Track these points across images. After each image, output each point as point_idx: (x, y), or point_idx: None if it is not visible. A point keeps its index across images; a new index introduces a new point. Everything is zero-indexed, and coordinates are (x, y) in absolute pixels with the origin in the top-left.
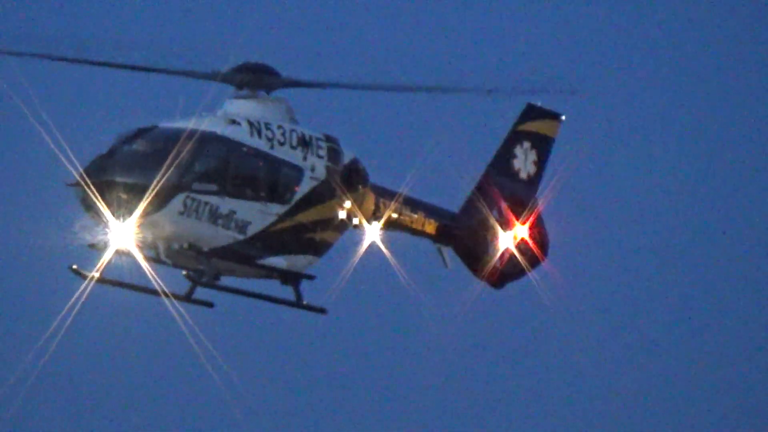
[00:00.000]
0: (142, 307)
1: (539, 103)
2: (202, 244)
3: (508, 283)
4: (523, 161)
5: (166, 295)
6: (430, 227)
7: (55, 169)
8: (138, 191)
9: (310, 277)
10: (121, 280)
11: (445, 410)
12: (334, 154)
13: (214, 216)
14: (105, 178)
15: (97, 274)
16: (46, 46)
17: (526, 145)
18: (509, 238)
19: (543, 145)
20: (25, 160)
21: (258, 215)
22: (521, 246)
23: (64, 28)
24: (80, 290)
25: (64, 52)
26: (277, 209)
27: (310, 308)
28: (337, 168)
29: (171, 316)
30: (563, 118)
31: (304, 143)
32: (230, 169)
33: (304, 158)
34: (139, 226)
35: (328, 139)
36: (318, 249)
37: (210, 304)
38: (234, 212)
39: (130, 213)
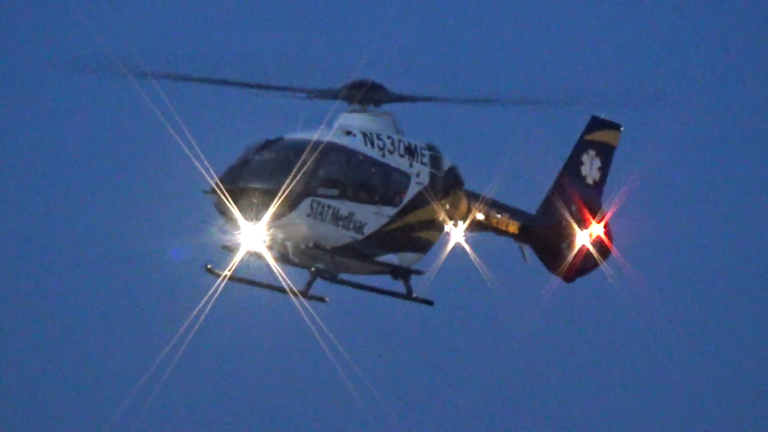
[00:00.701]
0: (265, 302)
1: (602, 115)
2: (325, 243)
3: (579, 278)
4: (590, 168)
5: (288, 291)
6: (513, 227)
7: (189, 178)
8: (269, 196)
9: (419, 273)
10: (251, 278)
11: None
12: (435, 161)
13: (336, 218)
14: (240, 185)
15: (228, 273)
16: (169, 65)
17: (592, 153)
18: (586, 235)
19: (606, 153)
20: (163, 170)
21: (373, 217)
22: (595, 243)
23: (179, 45)
24: (214, 287)
25: (185, 71)
26: (389, 211)
27: (419, 300)
28: (438, 174)
29: (293, 309)
30: (623, 128)
31: (410, 152)
32: (349, 175)
33: (410, 165)
34: (270, 228)
35: (430, 147)
36: (423, 247)
37: (323, 299)
38: (353, 214)
39: (262, 216)
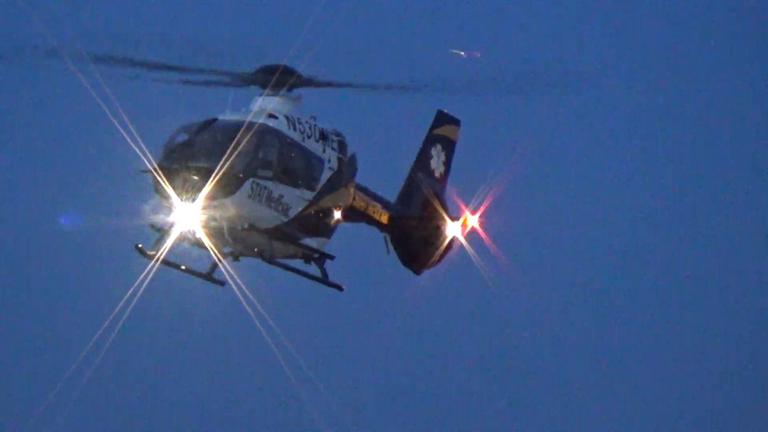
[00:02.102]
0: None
1: (445, 110)
2: (259, 224)
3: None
4: (437, 161)
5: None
6: (384, 217)
7: (122, 157)
8: (212, 176)
9: (331, 257)
10: (181, 263)
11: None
12: (343, 147)
13: (270, 199)
14: (183, 164)
15: (160, 254)
16: (86, 46)
17: (438, 147)
18: (457, 227)
19: (449, 148)
20: (83, 150)
21: (296, 200)
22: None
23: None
24: (146, 268)
25: (102, 51)
26: (308, 195)
27: (331, 285)
28: (344, 160)
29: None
30: (461, 123)
31: (324, 137)
32: (281, 158)
33: (323, 150)
34: (210, 208)
35: (337, 134)
36: (329, 231)
37: (222, 283)
38: (282, 196)
39: (202, 196)
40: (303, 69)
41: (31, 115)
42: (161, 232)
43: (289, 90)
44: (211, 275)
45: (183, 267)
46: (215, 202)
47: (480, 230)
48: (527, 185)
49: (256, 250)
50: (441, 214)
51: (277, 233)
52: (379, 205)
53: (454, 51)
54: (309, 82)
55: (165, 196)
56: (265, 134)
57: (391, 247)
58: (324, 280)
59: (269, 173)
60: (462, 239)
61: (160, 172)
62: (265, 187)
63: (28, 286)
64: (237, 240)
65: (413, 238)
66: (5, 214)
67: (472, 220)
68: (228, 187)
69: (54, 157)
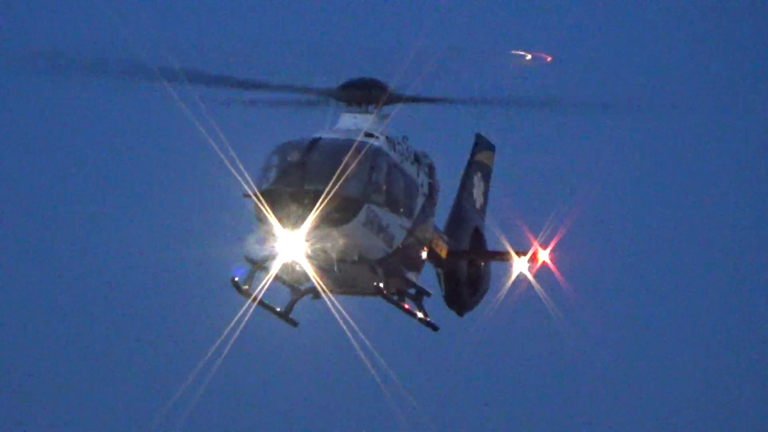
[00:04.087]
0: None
1: (483, 134)
2: (369, 255)
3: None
4: (478, 191)
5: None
6: (444, 251)
7: (219, 182)
8: (328, 201)
9: (428, 293)
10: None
11: None
12: (432, 172)
13: (380, 228)
14: (292, 188)
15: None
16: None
17: (479, 174)
18: (524, 263)
19: (489, 176)
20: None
21: (398, 229)
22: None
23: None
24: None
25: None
26: (407, 224)
27: (429, 324)
28: (434, 186)
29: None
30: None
31: (417, 159)
32: (390, 181)
33: (417, 174)
34: (323, 237)
35: (426, 156)
36: (421, 264)
37: (296, 324)
38: (388, 225)
39: (314, 224)
40: (393, 84)
41: (109, 139)
42: (255, 265)
43: (377, 106)
44: (288, 314)
45: (278, 309)
46: (329, 230)
47: (552, 266)
48: (599, 214)
49: (360, 285)
50: (506, 249)
51: (383, 266)
52: (443, 238)
53: (518, 53)
54: (401, 99)
55: (267, 224)
56: (377, 156)
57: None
58: (424, 319)
59: (381, 198)
60: (530, 276)
61: (263, 197)
62: (377, 214)
63: (110, 317)
64: (344, 273)
65: (465, 276)
66: (97, 240)
67: (543, 255)
68: (345, 213)
69: (142, 184)
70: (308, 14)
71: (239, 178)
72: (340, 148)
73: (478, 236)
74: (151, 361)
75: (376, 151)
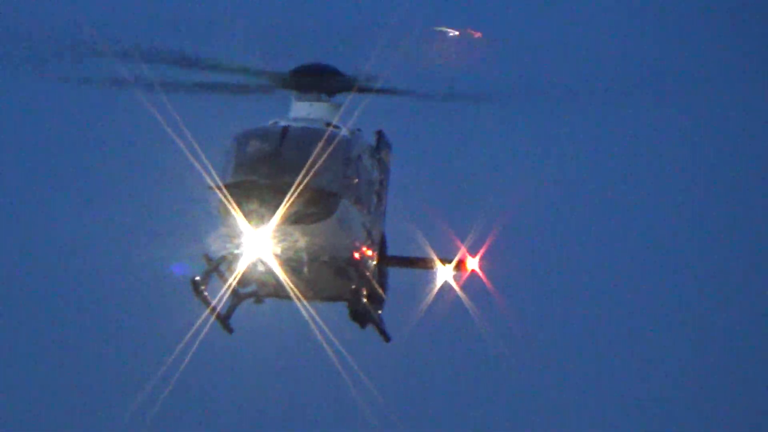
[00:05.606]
0: None
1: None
2: (338, 255)
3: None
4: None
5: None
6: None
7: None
8: (305, 195)
9: (383, 298)
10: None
11: None
12: (384, 165)
13: (349, 225)
14: (263, 180)
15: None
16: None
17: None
18: (449, 271)
19: (388, 176)
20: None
21: (360, 226)
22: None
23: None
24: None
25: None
26: (368, 222)
27: (383, 333)
28: (386, 179)
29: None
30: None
31: (372, 153)
32: (359, 174)
33: (373, 167)
34: (295, 235)
35: (378, 150)
36: (374, 267)
37: (231, 330)
38: (357, 223)
39: (289, 220)
40: (349, 71)
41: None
42: (212, 264)
43: (330, 95)
44: (226, 320)
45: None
46: (303, 227)
47: (481, 274)
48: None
49: (328, 288)
50: (429, 256)
51: (352, 266)
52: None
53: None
54: (359, 88)
55: (232, 220)
56: (350, 147)
57: None
58: (379, 325)
59: (353, 193)
60: (455, 286)
61: (230, 191)
62: (348, 210)
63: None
64: (313, 274)
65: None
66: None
67: (472, 263)
68: (322, 207)
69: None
70: None
71: (188, 169)
72: (312, 138)
73: (382, 241)
74: (94, 362)
75: (349, 142)
